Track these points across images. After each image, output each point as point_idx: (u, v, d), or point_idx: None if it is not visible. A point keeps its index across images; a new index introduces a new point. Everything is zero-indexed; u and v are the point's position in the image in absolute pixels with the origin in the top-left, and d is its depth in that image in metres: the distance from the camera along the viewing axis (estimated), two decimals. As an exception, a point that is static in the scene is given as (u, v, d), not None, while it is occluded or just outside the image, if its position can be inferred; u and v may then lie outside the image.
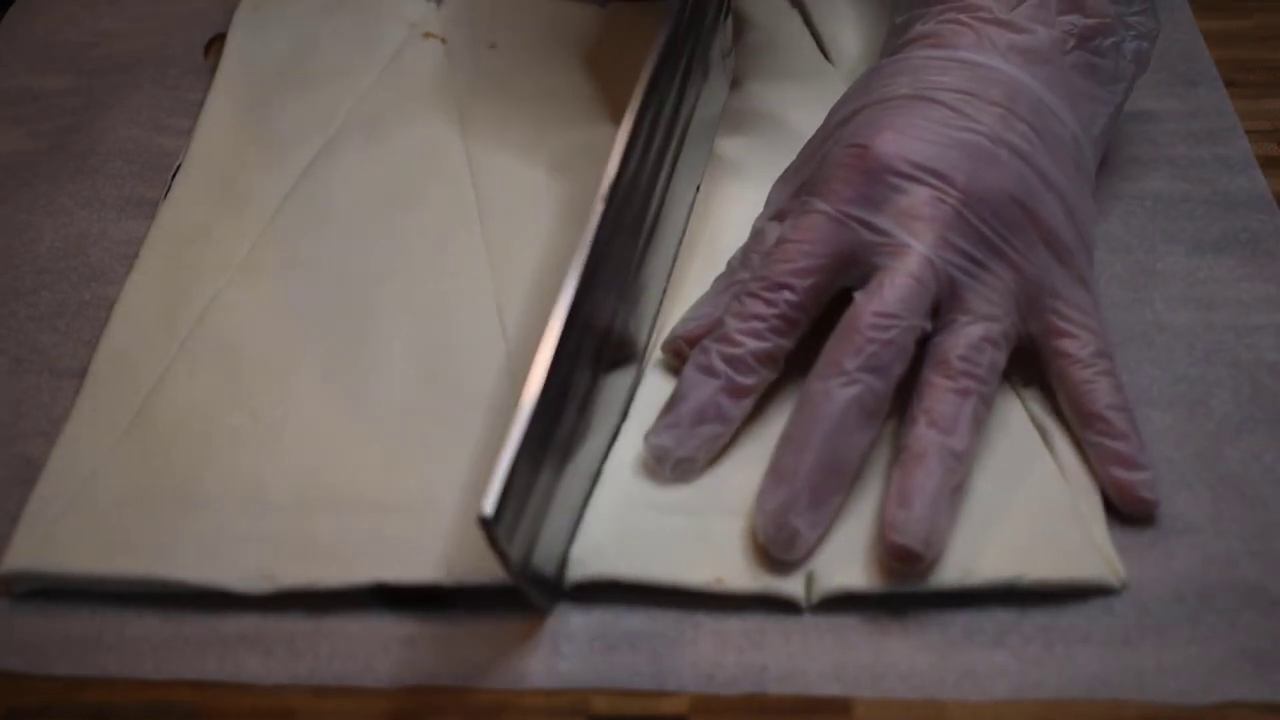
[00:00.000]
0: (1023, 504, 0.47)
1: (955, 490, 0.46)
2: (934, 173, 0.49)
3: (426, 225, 0.58)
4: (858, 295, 0.48)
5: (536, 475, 0.43)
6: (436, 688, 0.44)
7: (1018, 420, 0.50)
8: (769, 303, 0.48)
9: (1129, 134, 0.63)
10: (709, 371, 0.48)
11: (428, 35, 0.68)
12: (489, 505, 0.41)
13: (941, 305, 0.48)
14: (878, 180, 0.49)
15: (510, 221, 0.58)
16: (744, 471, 0.48)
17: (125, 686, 0.44)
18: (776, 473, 0.46)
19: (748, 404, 0.49)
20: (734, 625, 0.45)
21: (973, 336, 0.48)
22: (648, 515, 0.47)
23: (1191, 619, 0.45)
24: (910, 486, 0.45)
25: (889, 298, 0.47)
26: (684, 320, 0.52)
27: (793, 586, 0.45)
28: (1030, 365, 0.51)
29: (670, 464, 0.48)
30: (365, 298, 0.55)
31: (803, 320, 0.49)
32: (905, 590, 0.45)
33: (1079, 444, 0.49)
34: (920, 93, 0.51)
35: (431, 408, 0.51)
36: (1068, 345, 0.50)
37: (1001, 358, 0.49)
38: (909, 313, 0.47)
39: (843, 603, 0.45)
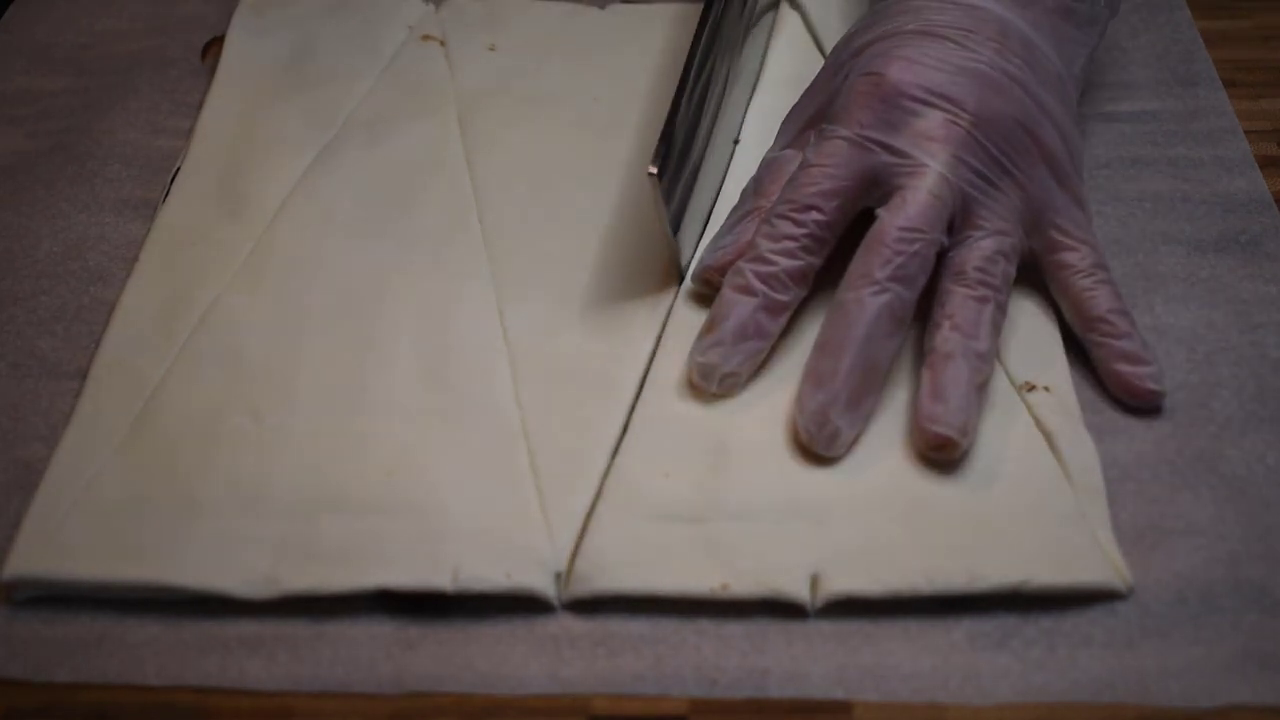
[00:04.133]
0: (1028, 508, 0.47)
1: (983, 389, 0.50)
2: (946, 98, 0.52)
3: (426, 227, 0.58)
4: (881, 212, 0.51)
5: (684, 160, 0.52)
6: (438, 692, 0.44)
7: (1023, 424, 0.50)
8: (798, 223, 0.51)
9: (1129, 134, 0.63)
10: (747, 290, 0.51)
11: (427, 37, 0.68)
12: (654, 165, 0.49)
13: (956, 221, 0.52)
14: (894, 105, 0.52)
15: (510, 223, 0.58)
16: (744, 476, 0.48)
17: (126, 689, 0.44)
18: (815, 377, 0.49)
19: (783, 320, 0.52)
20: (736, 629, 0.45)
21: (987, 249, 0.51)
22: (650, 526, 0.47)
23: (1194, 621, 0.45)
24: (943, 381, 0.49)
25: (912, 213, 0.50)
26: (710, 250, 0.55)
27: (798, 590, 0.45)
28: (1033, 368, 0.52)
29: (716, 379, 0.51)
30: (366, 300, 0.55)
31: (830, 239, 0.52)
32: (909, 593, 0.45)
33: (1083, 446, 0.49)
34: (924, 29, 0.55)
35: (433, 410, 0.51)
36: (1069, 258, 0.53)
37: (1012, 270, 0.52)
38: (930, 227, 0.50)
39: (846, 606, 0.45)
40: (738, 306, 0.51)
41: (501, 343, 0.53)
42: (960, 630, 0.45)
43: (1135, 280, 0.56)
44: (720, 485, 0.48)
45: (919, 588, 0.45)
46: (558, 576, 0.46)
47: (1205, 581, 0.46)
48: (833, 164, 0.52)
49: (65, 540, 0.47)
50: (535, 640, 0.45)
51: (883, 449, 0.49)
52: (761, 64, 0.65)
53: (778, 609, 0.46)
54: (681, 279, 0.56)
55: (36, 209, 0.60)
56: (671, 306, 0.55)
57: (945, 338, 0.50)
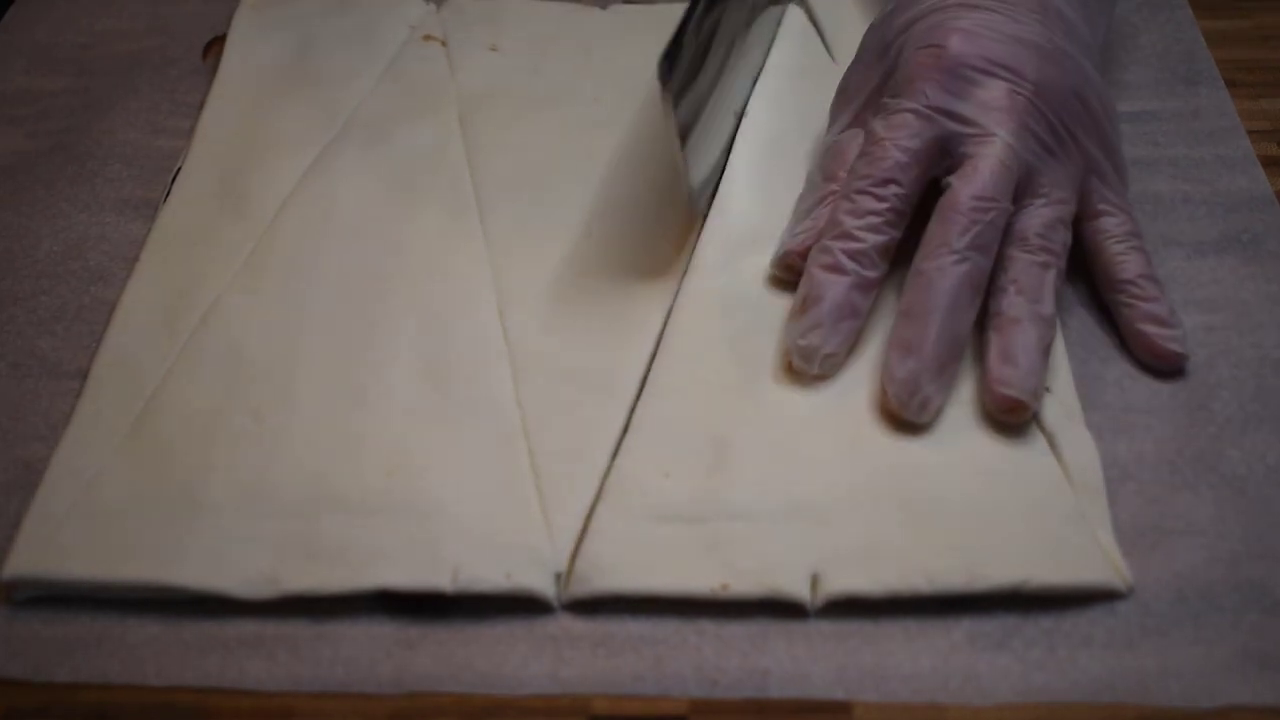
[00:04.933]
0: (1029, 508, 0.47)
1: (1048, 354, 0.51)
2: (1006, 67, 0.53)
3: (427, 227, 0.58)
4: (954, 180, 0.52)
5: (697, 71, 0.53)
6: (438, 692, 0.44)
7: (1024, 425, 0.50)
8: (879, 198, 0.52)
9: (1129, 134, 0.63)
10: (838, 270, 0.51)
11: (428, 37, 0.68)
12: (664, 70, 0.50)
13: (1019, 189, 0.52)
14: (957, 76, 0.53)
15: (510, 223, 0.58)
16: (744, 476, 0.48)
17: (126, 689, 0.44)
18: (903, 345, 0.50)
19: (873, 297, 0.52)
20: (737, 630, 0.45)
21: (1048, 217, 0.52)
22: (650, 527, 0.47)
23: (1194, 621, 0.45)
24: (1012, 345, 0.50)
25: (985, 181, 0.51)
26: (789, 235, 0.55)
27: (798, 590, 0.45)
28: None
29: (819, 360, 0.51)
30: (367, 300, 0.55)
31: (909, 212, 0.53)
32: (909, 594, 0.45)
33: (1083, 446, 0.49)
34: (969, 1, 0.55)
35: (434, 411, 0.51)
36: (1107, 224, 0.54)
37: (1069, 237, 0.53)
38: (1002, 195, 0.51)
39: (846, 606, 0.45)
40: (832, 287, 0.51)
41: (502, 343, 0.53)
42: (960, 630, 0.45)
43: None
44: (720, 485, 0.48)
45: (919, 588, 0.45)
46: (557, 577, 0.46)
47: (1205, 581, 0.46)
48: (905, 136, 0.52)
49: (65, 540, 0.47)
50: (535, 640, 0.45)
51: (883, 449, 0.49)
52: (766, 55, 0.65)
53: (778, 609, 0.46)
54: (693, 200, 0.56)
55: (37, 209, 0.60)
56: (671, 307, 0.55)
57: (1011, 302, 0.50)
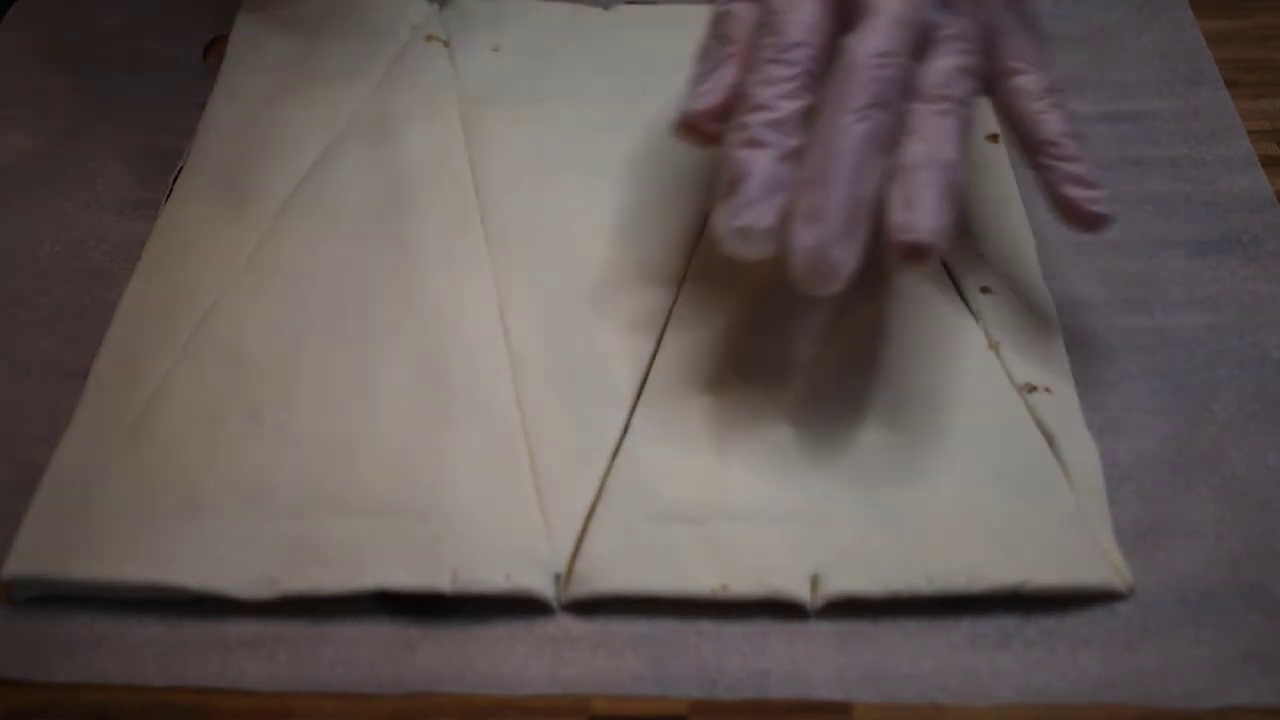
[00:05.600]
0: (1029, 509, 0.47)
1: (955, 199, 0.47)
2: None
3: (429, 228, 0.58)
4: (850, 39, 0.49)
5: None
6: (438, 692, 0.44)
7: (1024, 426, 0.50)
8: (789, 63, 0.49)
9: (1129, 134, 0.63)
10: (758, 144, 0.48)
11: (430, 38, 0.68)
12: None
13: (918, 45, 0.50)
14: None
15: (512, 223, 0.58)
16: (744, 476, 0.48)
17: (126, 689, 0.44)
18: (806, 213, 0.46)
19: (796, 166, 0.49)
20: (737, 630, 0.45)
21: (948, 66, 0.50)
22: (650, 527, 0.47)
23: (1195, 621, 0.45)
24: (912, 190, 0.47)
25: (882, 37, 0.48)
26: (691, 99, 0.51)
27: (798, 590, 0.45)
28: (1033, 368, 0.52)
29: (755, 238, 0.47)
30: (368, 301, 0.55)
31: (821, 74, 0.49)
32: (909, 594, 0.45)
33: (1083, 446, 0.49)
34: None
35: (435, 411, 0.51)
36: (1020, 81, 0.52)
37: (974, 86, 0.50)
38: (899, 50, 0.49)
39: (846, 607, 0.45)
40: (756, 161, 0.47)
41: (502, 343, 0.53)
42: (960, 631, 0.45)
43: (1136, 286, 0.56)
44: (720, 485, 0.48)
45: (919, 588, 0.45)
46: (557, 578, 0.46)
47: (1206, 582, 0.46)
48: None
49: (65, 540, 0.47)
50: (535, 641, 0.45)
51: (883, 449, 0.49)
52: None
53: (778, 609, 0.46)
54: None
55: (38, 208, 0.60)
56: (672, 307, 0.55)
57: (911, 150, 0.48)
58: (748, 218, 0.47)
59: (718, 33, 0.52)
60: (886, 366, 0.52)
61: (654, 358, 0.53)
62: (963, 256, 0.56)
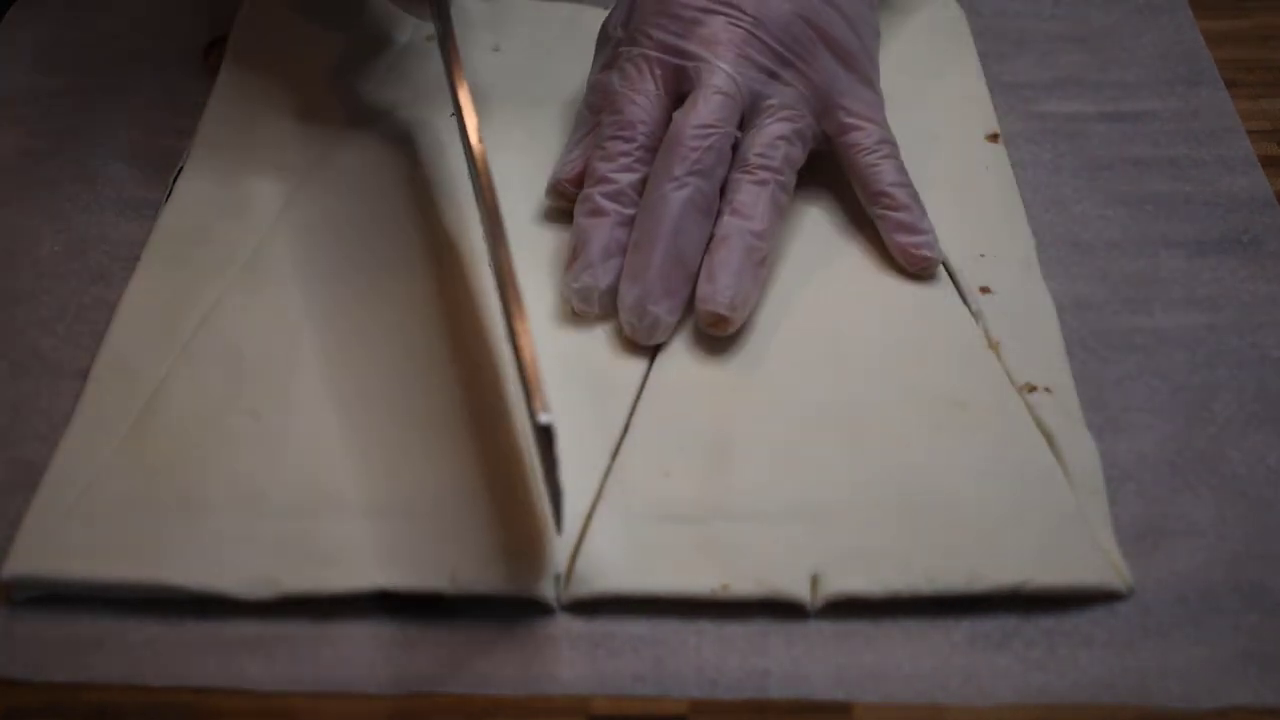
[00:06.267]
0: (1029, 509, 0.47)
1: (760, 265, 0.53)
2: (725, 3, 0.57)
3: (429, 228, 0.58)
4: (677, 115, 0.55)
5: None
6: (438, 692, 0.44)
7: (1023, 426, 0.50)
8: (627, 139, 0.55)
9: (1129, 134, 0.63)
10: (598, 213, 0.54)
11: (431, 38, 0.68)
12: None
13: (746, 115, 0.56)
14: (678, 18, 0.57)
15: (513, 223, 0.58)
16: (744, 476, 0.48)
17: (126, 689, 0.44)
18: (630, 274, 0.53)
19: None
20: (737, 630, 0.45)
21: (768, 135, 0.55)
22: (650, 527, 0.47)
23: (1195, 622, 0.45)
24: (715, 264, 0.52)
25: (702, 111, 0.54)
26: (560, 166, 0.58)
27: (798, 590, 0.45)
28: (1033, 368, 0.52)
29: (596, 298, 0.53)
30: (367, 301, 0.55)
31: (656, 146, 0.55)
32: (909, 594, 0.45)
33: (1083, 446, 0.49)
34: None
35: (434, 412, 0.51)
36: (855, 137, 0.57)
37: (796, 152, 0.56)
38: (721, 122, 0.54)
39: (846, 607, 0.45)
40: (596, 229, 0.54)
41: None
42: (960, 630, 0.45)
43: (1136, 286, 0.56)
44: (720, 485, 0.48)
45: (919, 588, 0.45)
46: (557, 578, 0.46)
47: (1206, 582, 0.46)
48: (639, 79, 0.56)
49: (65, 540, 0.47)
50: (535, 641, 0.45)
51: (883, 449, 0.49)
52: None
53: (778, 609, 0.46)
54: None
55: (38, 208, 0.60)
56: None
57: (724, 224, 0.53)
58: (587, 279, 0.53)
59: (589, 102, 0.59)
60: (886, 366, 0.52)
61: (653, 358, 0.53)
62: (963, 256, 0.56)
